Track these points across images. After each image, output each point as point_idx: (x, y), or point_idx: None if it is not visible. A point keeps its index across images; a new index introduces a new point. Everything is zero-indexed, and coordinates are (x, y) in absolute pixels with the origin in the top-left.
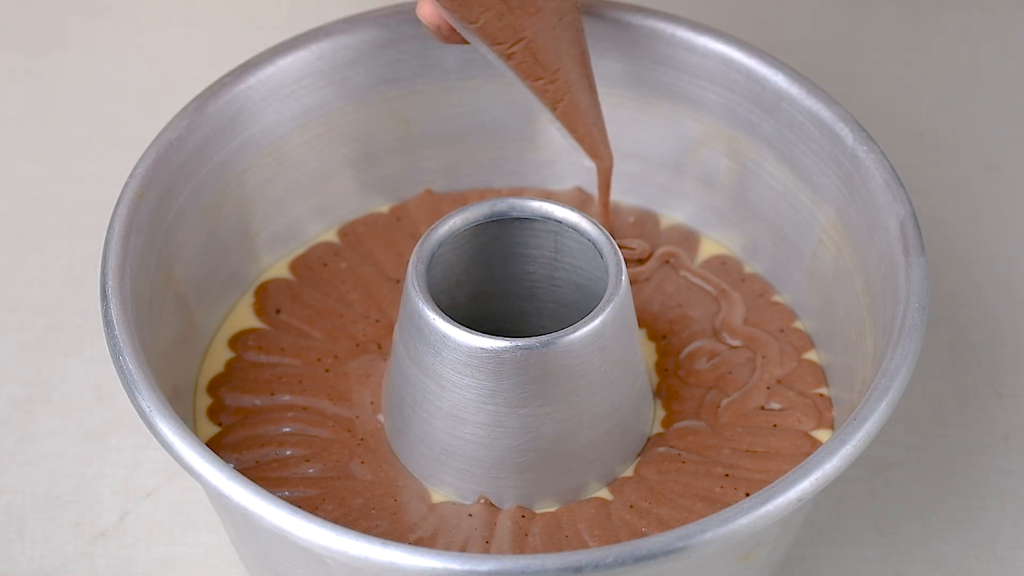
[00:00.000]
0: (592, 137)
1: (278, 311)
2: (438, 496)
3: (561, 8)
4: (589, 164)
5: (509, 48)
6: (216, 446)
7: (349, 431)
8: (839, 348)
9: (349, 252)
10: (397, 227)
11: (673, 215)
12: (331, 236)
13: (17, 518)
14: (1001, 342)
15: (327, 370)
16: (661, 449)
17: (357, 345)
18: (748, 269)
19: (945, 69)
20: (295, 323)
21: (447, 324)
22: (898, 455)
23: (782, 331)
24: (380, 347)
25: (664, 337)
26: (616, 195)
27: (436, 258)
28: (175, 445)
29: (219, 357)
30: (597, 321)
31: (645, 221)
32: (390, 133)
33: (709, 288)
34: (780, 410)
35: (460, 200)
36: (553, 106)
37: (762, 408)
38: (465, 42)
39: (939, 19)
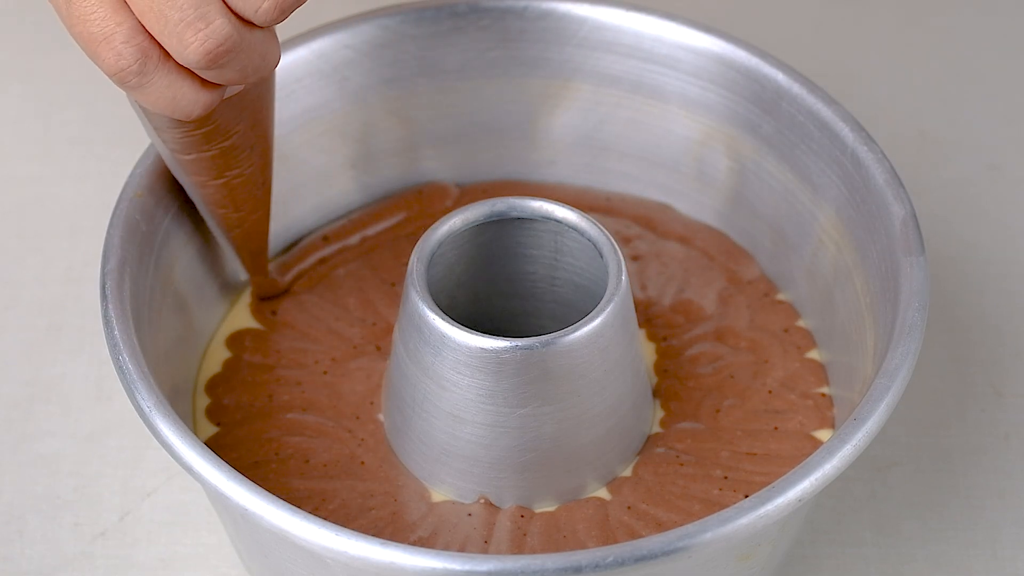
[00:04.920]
0: (261, 258)
1: (274, 312)
2: (438, 496)
3: (264, 155)
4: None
5: (209, 181)
6: (215, 446)
7: (349, 431)
8: (839, 348)
9: (346, 253)
10: None
11: (673, 215)
12: (330, 236)
13: (17, 518)
14: (1001, 342)
15: (325, 372)
16: (660, 450)
17: (355, 347)
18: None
19: (945, 69)
20: (293, 323)
21: (447, 324)
22: (898, 455)
23: (786, 331)
24: (379, 348)
25: (664, 338)
26: (616, 195)
27: (436, 258)
28: (175, 445)
29: (217, 357)
30: (597, 321)
31: (644, 222)
32: (390, 133)
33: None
34: (782, 412)
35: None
36: (229, 230)
37: (763, 411)
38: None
39: (939, 19)
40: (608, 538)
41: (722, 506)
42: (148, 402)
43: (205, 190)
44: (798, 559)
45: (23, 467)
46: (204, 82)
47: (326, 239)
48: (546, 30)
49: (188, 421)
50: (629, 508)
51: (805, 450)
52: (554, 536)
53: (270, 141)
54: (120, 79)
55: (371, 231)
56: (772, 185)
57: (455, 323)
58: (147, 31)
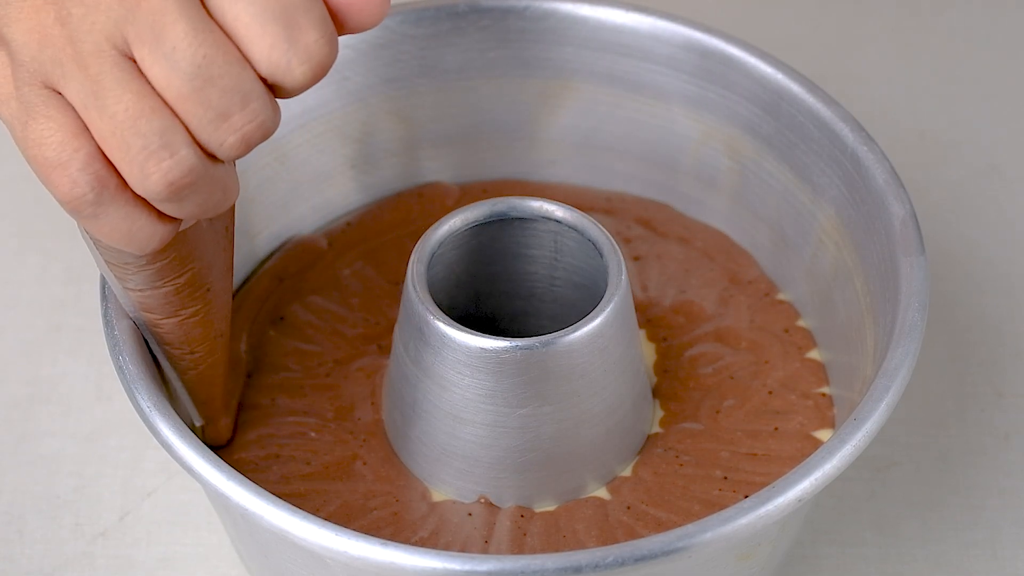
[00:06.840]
0: (213, 405)
1: (282, 317)
2: (439, 495)
3: (222, 302)
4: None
5: (161, 319)
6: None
7: (350, 432)
8: (839, 348)
9: (348, 253)
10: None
11: (673, 215)
12: (331, 236)
13: (17, 518)
14: (1001, 342)
15: (327, 375)
16: (659, 450)
17: (357, 348)
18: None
19: (945, 69)
20: (299, 325)
21: (447, 324)
22: (898, 455)
23: (786, 331)
24: (380, 348)
25: (664, 338)
26: (616, 195)
27: (436, 258)
28: (175, 445)
29: None
30: (597, 321)
31: (644, 222)
32: (390, 133)
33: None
34: (782, 413)
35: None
36: (182, 373)
37: (763, 411)
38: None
39: (939, 19)
40: (608, 538)
41: (722, 506)
42: (148, 402)
43: (158, 329)
44: (798, 559)
45: (23, 467)
46: (161, 214)
47: (328, 241)
48: (546, 30)
49: (188, 422)
50: (629, 508)
51: (805, 450)
52: (554, 536)
53: (229, 282)
54: (73, 208)
55: (372, 231)
56: (772, 185)
57: (455, 323)
58: (105, 158)
